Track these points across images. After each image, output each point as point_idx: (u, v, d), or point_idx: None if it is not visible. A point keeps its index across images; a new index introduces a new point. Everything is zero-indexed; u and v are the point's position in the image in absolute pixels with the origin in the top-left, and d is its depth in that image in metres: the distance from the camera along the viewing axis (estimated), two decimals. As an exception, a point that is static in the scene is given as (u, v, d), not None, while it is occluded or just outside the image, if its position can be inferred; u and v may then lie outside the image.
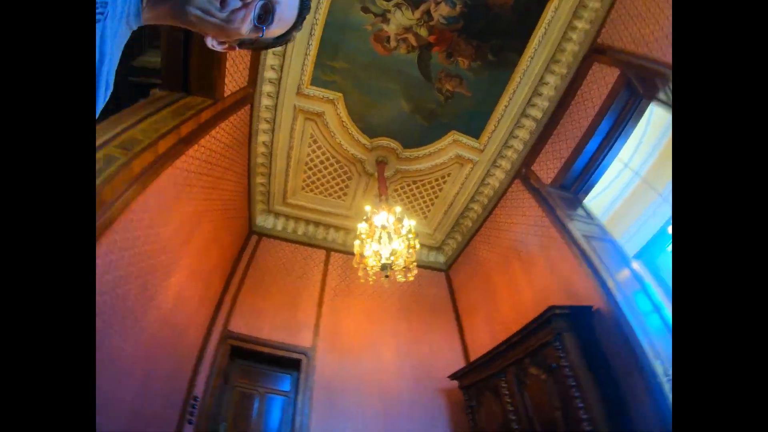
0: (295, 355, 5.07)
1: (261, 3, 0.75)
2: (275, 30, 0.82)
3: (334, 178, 5.97)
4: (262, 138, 5.30)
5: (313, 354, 5.11)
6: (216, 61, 3.65)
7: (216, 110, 3.75)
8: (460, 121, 5.22)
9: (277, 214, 6.32)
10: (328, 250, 6.40)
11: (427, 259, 6.70)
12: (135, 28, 0.72)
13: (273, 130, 5.29)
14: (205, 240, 4.44)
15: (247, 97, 4.51)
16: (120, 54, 0.71)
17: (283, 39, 0.88)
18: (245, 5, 0.74)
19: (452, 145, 5.48)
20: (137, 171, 2.60)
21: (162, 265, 3.41)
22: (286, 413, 4.84)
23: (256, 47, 0.89)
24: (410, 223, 4.45)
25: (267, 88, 4.87)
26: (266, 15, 0.77)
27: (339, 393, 4.86)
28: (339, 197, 6.21)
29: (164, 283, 3.55)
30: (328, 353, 5.18)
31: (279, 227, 6.32)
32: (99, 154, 2.44)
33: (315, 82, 4.94)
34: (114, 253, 2.62)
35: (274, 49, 4.50)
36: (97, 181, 2.30)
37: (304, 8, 0.85)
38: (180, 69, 3.67)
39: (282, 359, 5.08)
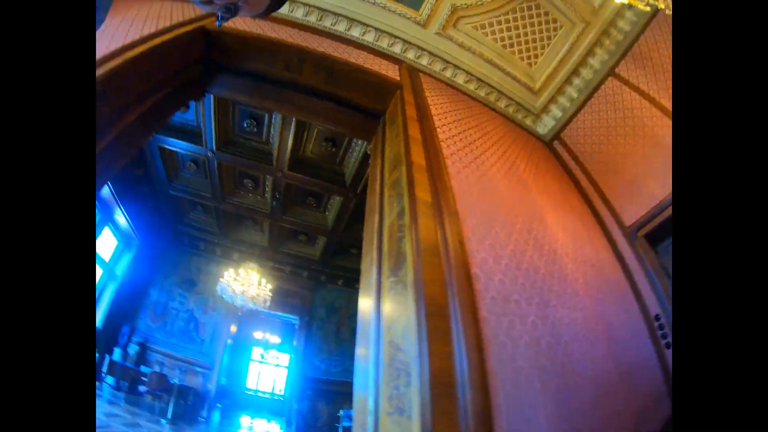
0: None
1: (226, 6, 0.83)
2: (243, 14, 0.88)
3: (532, 24, 4.63)
4: (460, 79, 4.68)
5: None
6: (356, 73, 3.36)
7: (408, 90, 3.33)
8: None
9: (545, 109, 5.23)
10: (617, 65, 4.70)
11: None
12: None
13: (451, 65, 4.61)
14: (535, 178, 3.77)
15: (412, 69, 4.07)
16: None
17: (258, 16, 0.93)
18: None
19: None
20: (422, 162, 2.24)
21: (530, 214, 2.86)
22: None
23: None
24: None
25: (410, 55, 4.37)
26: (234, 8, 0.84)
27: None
28: (555, 29, 4.72)
29: (548, 230, 2.95)
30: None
31: (559, 114, 5.16)
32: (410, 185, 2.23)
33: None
34: (489, 236, 2.21)
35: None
36: (405, 199, 2.00)
37: (269, 10, 0.92)
38: (354, 118, 3.56)
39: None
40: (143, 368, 7.68)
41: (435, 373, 1.43)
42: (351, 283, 9.44)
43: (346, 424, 7.06)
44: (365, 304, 2.16)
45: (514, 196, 2.91)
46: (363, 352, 1.99)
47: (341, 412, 7.33)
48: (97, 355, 6.53)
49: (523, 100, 5.14)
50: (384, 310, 1.87)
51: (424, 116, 2.85)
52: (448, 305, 1.61)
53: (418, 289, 1.60)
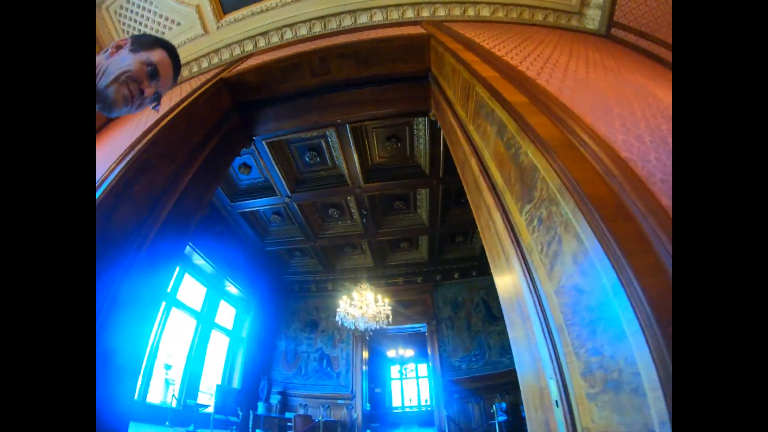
0: None
1: (153, 97, 1.05)
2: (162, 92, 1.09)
3: None
4: (485, 12, 4.22)
5: None
6: (383, 44, 3.08)
7: (442, 35, 2.96)
8: None
9: (584, 3, 4.46)
10: None
11: None
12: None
13: (469, 2, 4.15)
14: (619, 65, 3.15)
15: (434, 23, 3.69)
16: None
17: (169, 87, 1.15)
18: (145, 101, 1.02)
19: None
20: (495, 74, 1.83)
21: (638, 92, 2.30)
22: None
23: None
24: None
25: (425, 13, 4.01)
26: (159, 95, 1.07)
27: None
28: None
29: (664, 103, 2.34)
30: None
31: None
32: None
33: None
34: (614, 118, 1.74)
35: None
36: (498, 110, 1.60)
37: (176, 76, 1.12)
38: (402, 90, 3.35)
39: None
40: (288, 414, 7.88)
41: (655, 300, 0.88)
42: (468, 272, 8.87)
43: (501, 418, 6.55)
44: (505, 280, 1.72)
45: (610, 80, 2.36)
46: (519, 334, 1.56)
47: (494, 408, 6.81)
48: (241, 413, 6.79)
49: (557, 3, 4.47)
50: (532, 257, 1.43)
51: (471, 44, 2.45)
52: (624, 201, 1.15)
53: (576, 191, 1.17)
